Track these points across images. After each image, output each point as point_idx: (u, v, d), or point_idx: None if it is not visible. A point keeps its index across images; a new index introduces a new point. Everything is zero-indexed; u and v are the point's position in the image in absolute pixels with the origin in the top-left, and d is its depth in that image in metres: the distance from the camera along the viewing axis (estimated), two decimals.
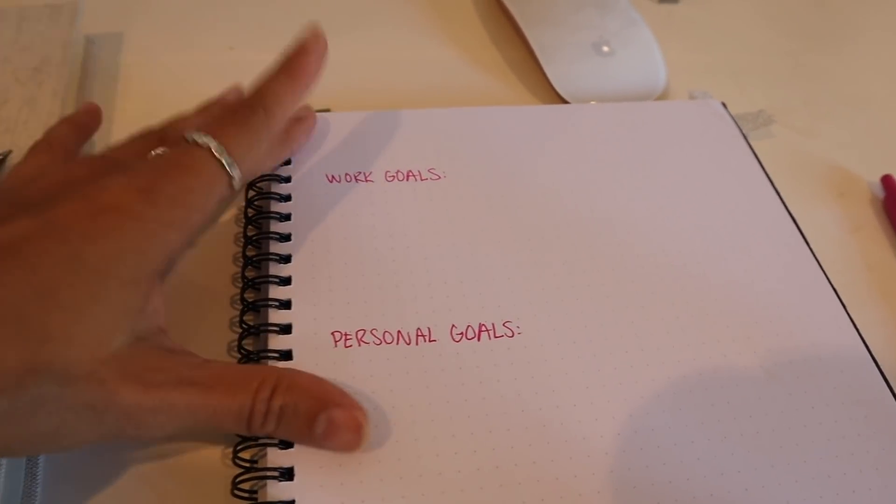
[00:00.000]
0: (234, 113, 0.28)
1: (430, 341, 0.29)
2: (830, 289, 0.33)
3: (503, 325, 0.30)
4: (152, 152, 0.28)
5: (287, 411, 0.25)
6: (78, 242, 0.23)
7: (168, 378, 0.24)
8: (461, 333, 0.30)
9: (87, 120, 0.33)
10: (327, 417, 0.25)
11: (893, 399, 0.30)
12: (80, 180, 0.26)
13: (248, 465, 0.26)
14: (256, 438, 0.26)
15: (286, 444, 0.26)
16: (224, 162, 0.26)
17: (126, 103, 0.40)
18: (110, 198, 0.24)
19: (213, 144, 0.26)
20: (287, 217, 0.33)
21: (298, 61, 0.30)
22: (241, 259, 0.32)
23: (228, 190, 0.27)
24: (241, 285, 0.31)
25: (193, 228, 0.26)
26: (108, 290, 0.23)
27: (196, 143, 0.26)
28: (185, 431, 0.25)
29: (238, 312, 0.30)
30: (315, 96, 0.40)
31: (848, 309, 0.33)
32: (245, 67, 0.42)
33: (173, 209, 0.25)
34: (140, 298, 0.25)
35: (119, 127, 0.39)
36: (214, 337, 0.30)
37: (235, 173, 0.27)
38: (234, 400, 0.25)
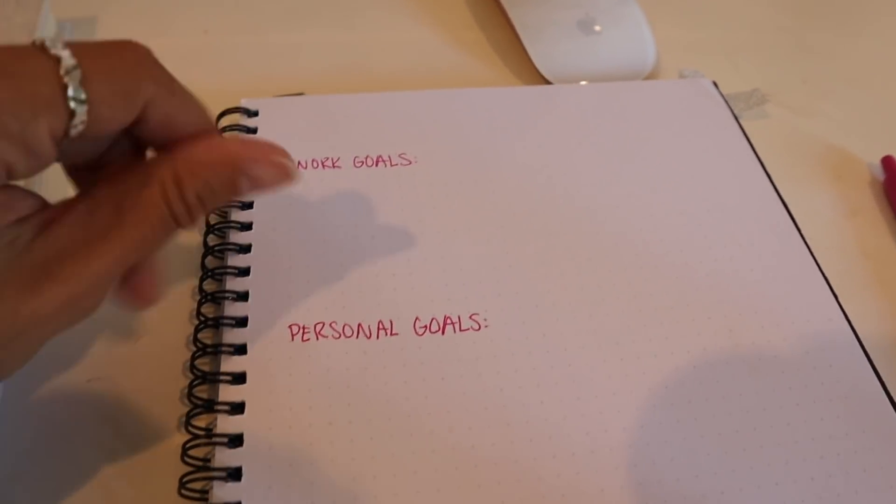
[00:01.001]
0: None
1: (391, 335, 0.28)
2: (821, 278, 0.31)
3: (470, 317, 0.29)
4: None
5: (205, 194, 0.23)
6: None
7: (64, 255, 0.21)
8: (425, 326, 0.28)
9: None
10: (246, 178, 0.23)
11: (885, 395, 0.28)
12: None
13: (199, 463, 0.25)
14: (209, 433, 0.25)
15: (235, 443, 0.25)
16: (70, 91, 0.20)
17: None
18: None
19: (66, 60, 0.20)
20: (249, 206, 0.32)
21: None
22: (202, 248, 0.31)
23: (64, 127, 0.20)
24: (200, 275, 0.30)
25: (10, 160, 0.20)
26: None
27: (44, 49, 0.20)
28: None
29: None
30: (289, 80, 0.39)
31: (842, 299, 0.31)
32: (220, 51, 0.42)
33: None
34: None
35: None
36: (174, 329, 0.29)
37: (80, 110, 0.20)
38: (152, 221, 0.22)
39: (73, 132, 0.21)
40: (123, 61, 0.22)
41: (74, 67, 0.20)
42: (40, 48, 0.20)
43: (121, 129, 0.22)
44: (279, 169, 0.24)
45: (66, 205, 0.23)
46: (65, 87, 0.20)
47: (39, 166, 0.21)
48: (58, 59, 0.20)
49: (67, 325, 0.22)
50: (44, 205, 0.23)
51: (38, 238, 0.21)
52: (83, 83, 0.20)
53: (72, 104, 0.20)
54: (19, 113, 0.20)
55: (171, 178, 0.22)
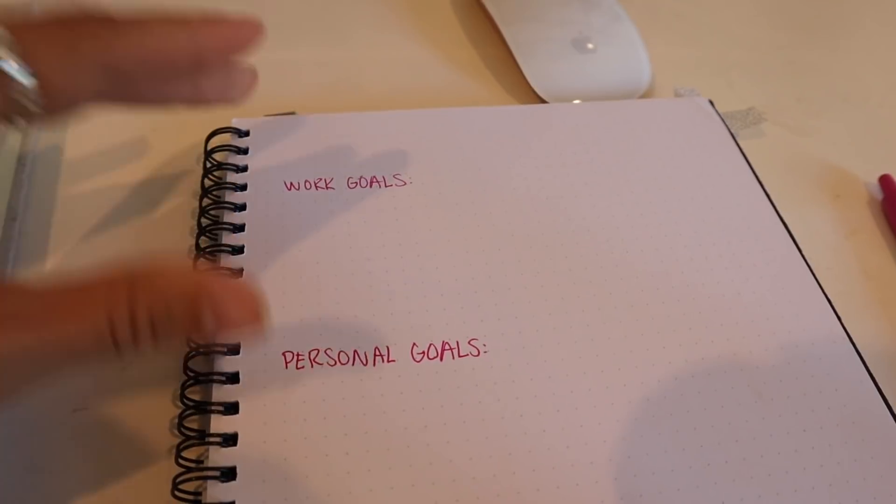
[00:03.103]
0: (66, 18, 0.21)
1: (388, 361, 0.27)
2: (824, 299, 0.31)
3: (468, 343, 0.28)
4: None
5: (159, 318, 0.19)
6: None
7: None
8: (423, 353, 0.27)
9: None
10: (211, 307, 0.20)
11: (892, 419, 0.27)
12: None
13: (190, 497, 0.24)
14: (202, 437, 0.24)
15: (228, 476, 0.24)
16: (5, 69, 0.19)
17: None
18: None
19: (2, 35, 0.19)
20: (241, 228, 0.31)
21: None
22: None
23: (9, 106, 0.20)
24: None
25: None
26: None
27: None
28: (34, 381, 0.20)
29: None
30: (281, 99, 0.39)
31: (844, 319, 0.30)
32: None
33: None
34: None
35: (73, 132, 0.37)
36: (164, 357, 0.28)
37: (27, 80, 0.19)
38: (82, 321, 0.19)
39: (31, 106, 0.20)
40: (57, 31, 0.21)
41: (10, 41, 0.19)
42: None
43: (90, 94, 0.21)
44: (251, 315, 0.21)
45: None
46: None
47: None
48: None
49: None
50: None
51: None
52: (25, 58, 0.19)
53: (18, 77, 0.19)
54: None
55: (124, 285, 0.19)
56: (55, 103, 0.20)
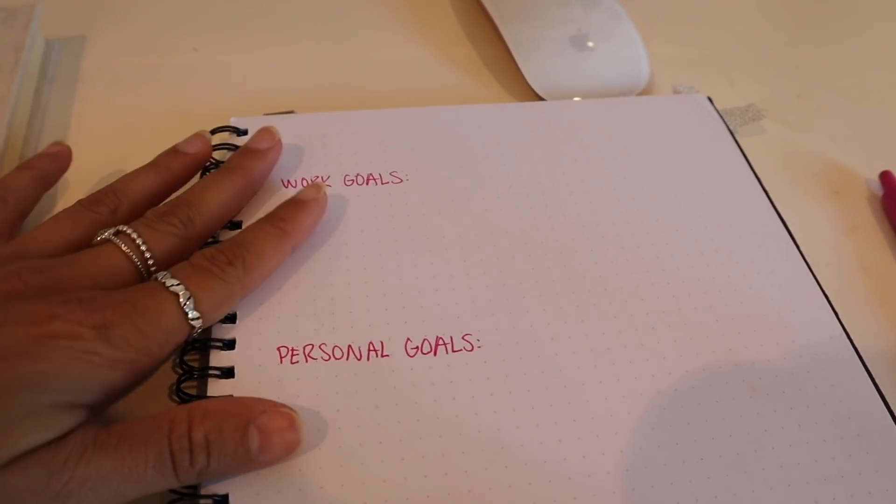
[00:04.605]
0: (210, 259, 0.26)
1: (382, 356, 0.27)
2: (821, 295, 0.31)
3: (462, 338, 0.28)
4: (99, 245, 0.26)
5: (212, 439, 0.23)
6: (17, 361, 0.21)
7: (73, 453, 0.22)
8: (416, 348, 0.28)
9: (49, 168, 0.31)
10: (257, 427, 0.23)
11: (889, 415, 0.27)
12: (29, 291, 0.24)
13: (186, 490, 0.24)
14: (194, 492, 0.24)
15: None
16: (189, 315, 0.25)
17: (84, 107, 0.39)
18: (62, 328, 0.22)
19: (182, 294, 0.25)
20: (238, 225, 0.31)
21: (293, 216, 0.29)
22: None
23: (186, 337, 0.25)
24: None
25: (140, 372, 0.24)
26: (29, 406, 0.21)
27: (164, 287, 0.25)
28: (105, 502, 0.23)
29: None
30: (280, 98, 0.39)
31: (842, 316, 0.30)
32: (210, 69, 0.41)
33: (126, 351, 0.23)
34: (58, 425, 0.22)
35: (76, 133, 0.37)
36: None
37: (197, 324, 0.25)
38: (147, 447, 0.22)
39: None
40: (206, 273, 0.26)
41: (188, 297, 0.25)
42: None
43: None
44: (287, 422, 0.24)
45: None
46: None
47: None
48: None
49: None
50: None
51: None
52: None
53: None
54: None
55: (184, 417, 0.23)
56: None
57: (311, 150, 0.34)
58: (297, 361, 0.27)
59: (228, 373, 0.26)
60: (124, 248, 0.26)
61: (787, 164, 0.38)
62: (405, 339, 0.28)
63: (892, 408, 0.27)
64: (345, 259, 0.30)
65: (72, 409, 0.22)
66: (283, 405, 0.25)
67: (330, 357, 0.27)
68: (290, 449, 0.24)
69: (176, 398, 0.26)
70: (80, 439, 0.22)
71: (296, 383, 0.26)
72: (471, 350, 0.28)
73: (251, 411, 0.24)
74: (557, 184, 0.34)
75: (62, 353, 0.22)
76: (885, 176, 0.36)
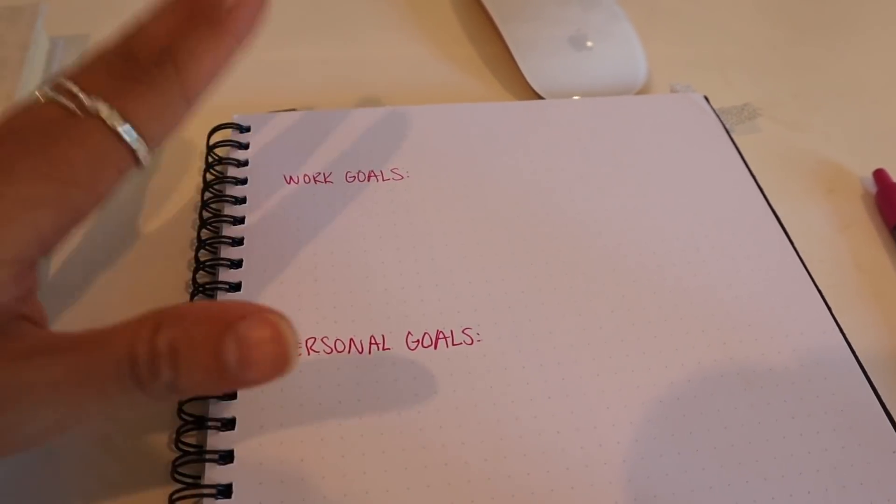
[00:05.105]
0: (128, 61, 0.22)
1: (383, 349, 0.28)
2: (815, 290, 0.31)
3: (462, 332, 0.28)
4: (24, 107, 0.22)
5: (180, 346, 0.19)
6: None
7: (20, 353, 0.19)
8: (417, 341, 0.28)
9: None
10: (235, 336, 0.19)
11: (881, 408, 0.28)
12: None
13: (190, 480, 0.25)
14: (197, 483, 0.24)
15: (226, 459, 0.25)
16: (118, 129, 0.21)
17: None
18: None
19: (104, 110, 0.21)
20: (241, 220, 0.31)
21: (230, 13, 0.24)
22: (194, 263, 0.30)
23: (127, 163, 0.22)
24: (191, 290, 0.30)
25: (76, 206, 0.21)
26: None
27: (87, 111, 0.21)
28: (64, 422, 0.20)
29: None
30: (282, 96, 0.39)
31: (836, 311, 0.31)
32: None
33: (43, 184, 0.20)
34: None
35: None
36: None
37: (133, 139, 0.21)
38: (106, 351, 0.19)
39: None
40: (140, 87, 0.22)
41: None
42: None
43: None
44: (274, 332, 0.19)
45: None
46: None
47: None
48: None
49: None
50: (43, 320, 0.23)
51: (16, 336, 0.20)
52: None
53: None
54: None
55: (153, 320, 0.20)
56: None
57: (314, 147, 0.35)
58: (300, 354, 0.27)
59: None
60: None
61: (783, 162, 0.38)
62: (406, 333, 0.28)
63: (884, 400, 0.28)
64: (346, 254, 0.31)
65: None
66: (270, 310, 0.20)
67: (332, 350, 0.28)
68: (278, 367, 0.20)
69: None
70: (27, 340, 0.20)
71: (298, 376, 0.27)
72: (470, 343, 0.28)
73: (230, 314, 0.19)
74: (555, 181, 0.34)
75: None
76: (878, 174, 0.37)
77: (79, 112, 0.21)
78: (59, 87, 0.22)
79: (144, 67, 0.22)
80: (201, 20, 0.24)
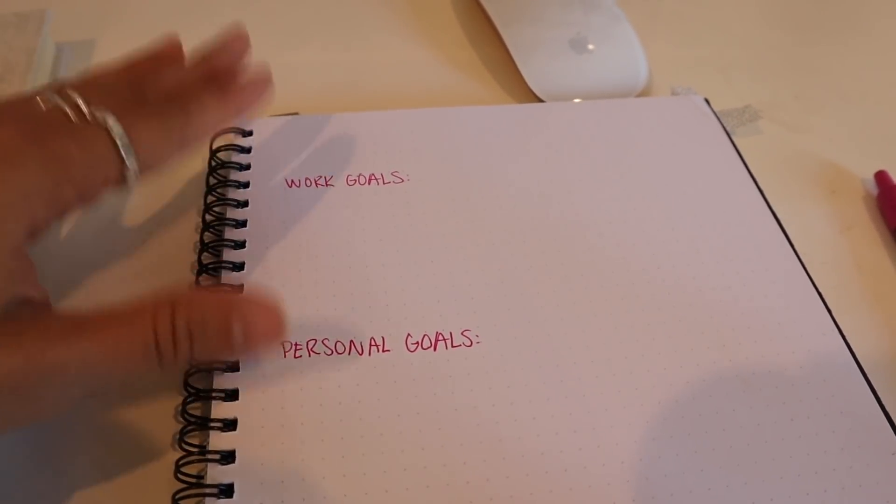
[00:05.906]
0: (146, 97, 0.25)
1: (383, 351, 0.28)
2: (815, 293, 0.31)
3: (461, 333, 0.29)
4: (40, 102, 0.24)
5: (195, 328, 0.23)
6: None
7: (45, 334, 0.21)
8: (416, 343, 0.28)
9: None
10: (242, 320, 0.23)
11: (880, 410, 0.28)
12: None
13: (192, 480, 0.25)
14: (200, 482, 0.25)
15: (228, 460, 0.25)
16: (120, 145, 0.23)
17: None
18: None
19: (110, 121, 0.23)
20: (243, 224, 0.32)
21: (240, 91, 0.28)
22: (197, 266, 0.31)
23: (118, 177, 0.24)
24: None
25: (64, 203, 0.23)
26: None
27: (94, 119, 0.23)
28: (87, 393, 0.23)
29: None
30: (284, 100, 0.39)
31: (836, 313, 0.31)
32: None
33: (42, 175, 0.22)
34: None
35: None
36: None
37: (131, 163, 0.23)
38: (133, 332, 0.22)
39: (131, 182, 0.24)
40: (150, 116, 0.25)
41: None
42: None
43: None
44: (271, 314, 0.24)
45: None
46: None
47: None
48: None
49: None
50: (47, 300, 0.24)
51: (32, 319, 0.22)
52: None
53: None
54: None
55: (168, 304, 0.23)
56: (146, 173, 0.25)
57: (315, 151, 0.35)
58: (301, 356, 0.28)
59: (234, 367, 0.27)
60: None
61: (784, 164, 0.38)
62: (406, 335, 0.28)
63: (884, 403, 0.28)
64: (347, 256, 0.31)
65: None
66: (268, 301, 0.24)
67: (332, 352, 0.28)
68: (276, 337, 0.25)
69: (184, 391, 0.27)
70: (56, 322, 0.21)
71: (299, 377, 0.27)
72: (470, 345, 0.28)
73: (235, 302, 0.24)
74: (556, 183, 0.34)
75: None
76: (880, 175, 0.37)
77: (87, 117, 0.23)
78: (63, 95, 0.23)
79: (155, 98, 0.25)
80: (216, 85, 0.27)
